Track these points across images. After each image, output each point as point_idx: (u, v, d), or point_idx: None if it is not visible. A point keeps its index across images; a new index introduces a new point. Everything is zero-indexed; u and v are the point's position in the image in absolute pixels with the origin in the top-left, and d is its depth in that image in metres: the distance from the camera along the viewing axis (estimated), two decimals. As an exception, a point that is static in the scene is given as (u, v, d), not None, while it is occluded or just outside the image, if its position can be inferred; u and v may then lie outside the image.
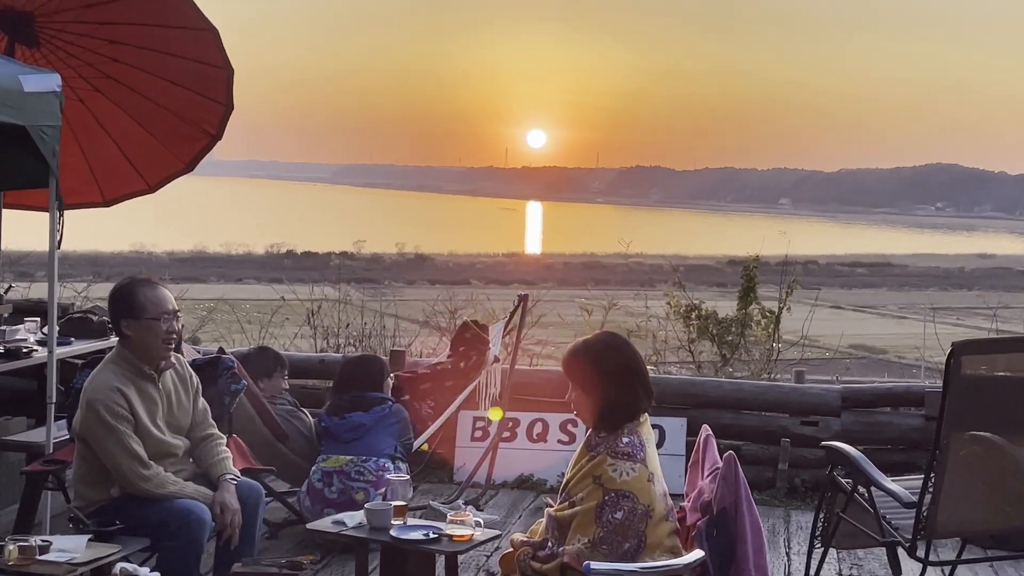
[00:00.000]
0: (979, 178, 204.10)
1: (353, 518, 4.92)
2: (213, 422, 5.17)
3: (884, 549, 4.87)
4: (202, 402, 5.14)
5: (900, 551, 4.75)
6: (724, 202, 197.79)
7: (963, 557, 5.40)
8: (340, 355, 8.75)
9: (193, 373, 5.14)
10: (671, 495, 4.19)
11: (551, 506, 4.29)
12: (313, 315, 11.03)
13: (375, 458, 6.35)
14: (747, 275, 11.18)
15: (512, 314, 7.79)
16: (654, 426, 4.41)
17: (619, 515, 3.98)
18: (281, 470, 6.55)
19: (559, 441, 7.95)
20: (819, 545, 5.29)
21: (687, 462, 4.50)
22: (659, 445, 7.23)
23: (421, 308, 12.39)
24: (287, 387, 6.94)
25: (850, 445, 5.08)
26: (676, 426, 7.81)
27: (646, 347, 10.74)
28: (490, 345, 7.49)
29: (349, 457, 6.36)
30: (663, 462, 4.28)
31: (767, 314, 11.13)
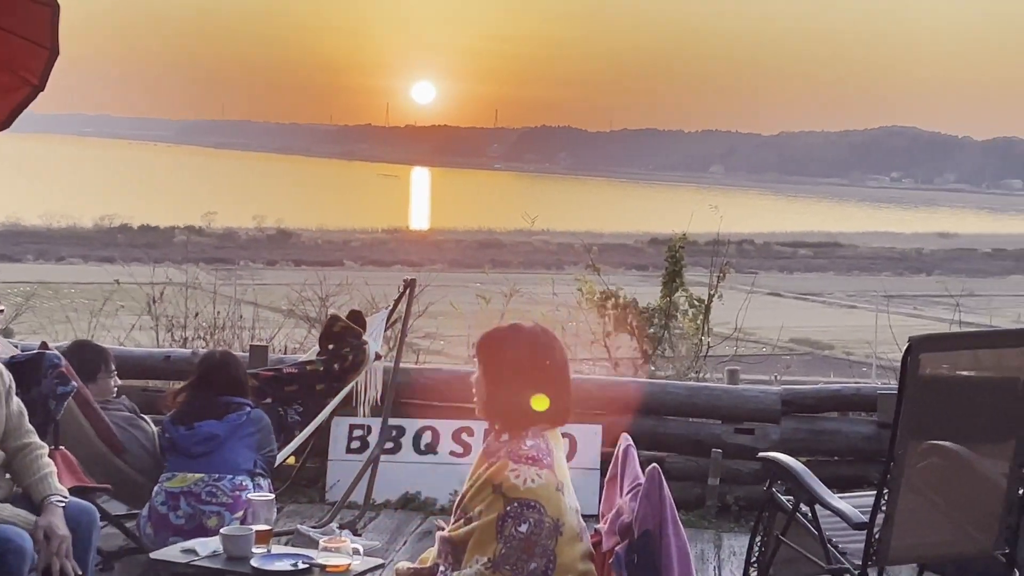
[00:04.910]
0: (940, 144, 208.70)
1: (206, 545, 4.90)
2: (32, 428, 5.08)
3: (830, 577, 4.96)
4: (16, 402, 5.03)
5: (848, 579, 4.85)
6: (645, 170, 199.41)
7: (920, 585, 5.53)
8: (189, 351, 8.66)
9: (4, 369, 5.04)
10: (584, 516, 4.23)
11: (443, 529, 4.31)
12: (154, 302, 10.91)
13: (231, 476, 6.29)
14: (672, 257, 11.29)
15: (396, 302, 7.79)
16: (564, 434, 4.46)
17: (523, 528, 4.01)
18: (117, 488, 6.45)
19: (451, 453, 7.94)
20: (755, 573, 5.38)
21: (603, 477, 4.54)
22: (569, 457, 7.27)
23: (285, 294, 12.33)
24: (116, 387, 6.78)
25: (791, 457, 5.16)
26: (589, 434, 7.83)
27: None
28: (368, 340, 7.47)
29: (199, 475, 6.29)
30: (574, 477, 4.32)
31: (695, 303, 11.25)
